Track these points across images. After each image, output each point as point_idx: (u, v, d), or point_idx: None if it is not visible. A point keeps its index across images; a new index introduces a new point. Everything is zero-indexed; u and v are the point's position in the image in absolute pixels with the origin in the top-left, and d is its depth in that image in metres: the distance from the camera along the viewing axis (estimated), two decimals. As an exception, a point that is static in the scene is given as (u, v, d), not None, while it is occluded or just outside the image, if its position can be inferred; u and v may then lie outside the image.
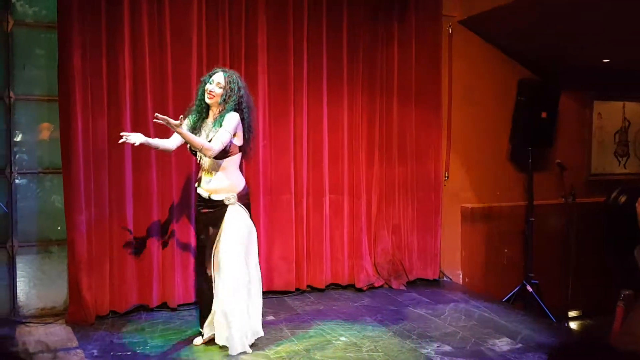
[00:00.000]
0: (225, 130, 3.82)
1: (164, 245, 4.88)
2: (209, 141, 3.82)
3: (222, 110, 3.92)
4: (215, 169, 3.96)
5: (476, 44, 6.17)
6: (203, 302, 4.09)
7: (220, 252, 3.91)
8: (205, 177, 4.00)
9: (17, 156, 4.69)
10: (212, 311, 4.00)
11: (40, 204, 4.78)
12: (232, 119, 3.85)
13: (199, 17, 4.92)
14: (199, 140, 3.79)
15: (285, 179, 5.33)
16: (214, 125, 3.90)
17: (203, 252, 4.04)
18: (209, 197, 3.98)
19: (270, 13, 5.18)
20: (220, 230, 3.94)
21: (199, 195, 4.04)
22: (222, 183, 3.96)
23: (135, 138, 3.82)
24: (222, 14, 5.01)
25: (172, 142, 4.05)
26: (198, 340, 4.13)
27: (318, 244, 5.48)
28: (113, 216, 4.72)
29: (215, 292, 3.97)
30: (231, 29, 5.06)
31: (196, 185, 4.09)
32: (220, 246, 3.92)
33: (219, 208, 3.97)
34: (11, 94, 4.63)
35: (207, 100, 3.93)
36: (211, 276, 3.99)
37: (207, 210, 4.01)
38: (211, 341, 4.07)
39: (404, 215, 5.81)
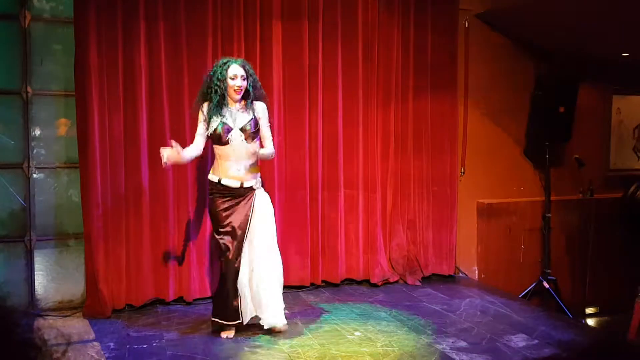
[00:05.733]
0: (268, 126, 4.16)
1: (180, 238, 4.90)
2: (251, 139, 4.07)
3: (246, 97, 4.10)
4: (248, 156, 4.05)
5: (493, 37, 6.11)
6: (227, 292, 4.09)
7: (259, 235, 4.08)
8: (233, 166, 4.04)
9: (35, 151, 4.73)
10: (239, 297, 4.09)
11: (57, 198, 4.83)
12: (267, 111, 4.17)
13: (214, 12, 4.92)
14: (268, 152, 4.12)
15: (300, 174, 5.32)
16: (250, 115, 4.08)
17: (230, 242, 4.06)
18: (241, 185, 4.03)
19: (285, 6, 5.17)
20: (250, 217, 4.07)
21: (225, 187, 4.06)
22: (252, 169, 4.10)
23: (170, 156, 3.90)
24: (237, 9, 5.01)
25: (198, 149, 4.12)
26: (230, 334, 4.13)
27: (333, 239, 5.47)
28: (129, 210, 4.75)
29: (249, 276, 4.09)
30: (246, 23, 5.06)
31: (217, 178, 4.08)
32: (256, 230, 4.07)
33: (248, 195, 4.08)
34: (28, 88, 4.67)
35: (236, 97, 4.04)
36: (239, 266, 4.05)
37: (234, 200, 4.06)
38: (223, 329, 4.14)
39: (419, 210, 5.78)
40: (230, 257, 4.07)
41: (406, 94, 5.66)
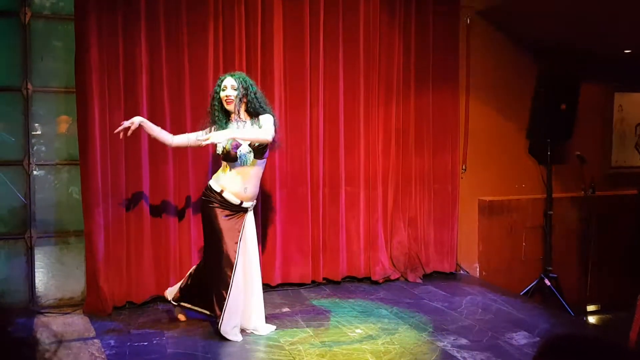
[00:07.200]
0: (269, 121, 4.01)
1: (181, 236, 4.89)
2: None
3: (247, 110, 4.06)
4: (254, 175, 4.05)
5: (495, 34, 6.09)
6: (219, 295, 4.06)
7: (247, 251, 4.11)
8: (240, 183, 4.01)
9: (35, 148, 4.72)
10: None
11: (57, 195, 4.82)
12: (270, 118, 4.04)
13: (215, 9, 4.90)
14: (252, 132, 3.96)
15: (301, 171, 5.31)
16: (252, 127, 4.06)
17: (229, 257, 4.02)
18: (240, 203, 4.03)
19: (287, 3, 5.16)
20: (241, 237, 4.05)
21: (225, 200, 4.02)
22: (255, 190, 4.11)
23: (134, 120, 4.04)
24: (239, 6, 4.99)
25: (172, 139, 4.19)
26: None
27: (334, 236, 5.46)
28: (130, 208, 4.74)
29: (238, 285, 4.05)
30: (247, 19, 5.04)
31: (219, 189, 4.02)
32: (245, 246, 4.09)
33: (242, 213, 4.08)
34: (29, 85, 4.66)
35: (227, 107, 4.03)
36: (230, 283, 3.99)
37: (231, 215, 4.04)
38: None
39: (421, 208, 5.76)
40: (222, 267, 4.03)
41: (407, 91, 5.64)
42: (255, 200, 4.18)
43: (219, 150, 3.99)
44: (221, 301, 3.96)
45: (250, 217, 4.16)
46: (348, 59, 5.41)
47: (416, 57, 5.65)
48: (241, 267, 4.03)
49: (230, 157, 3.98)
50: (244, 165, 3.97)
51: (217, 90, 4.04)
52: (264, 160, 4.11)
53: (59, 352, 1.02)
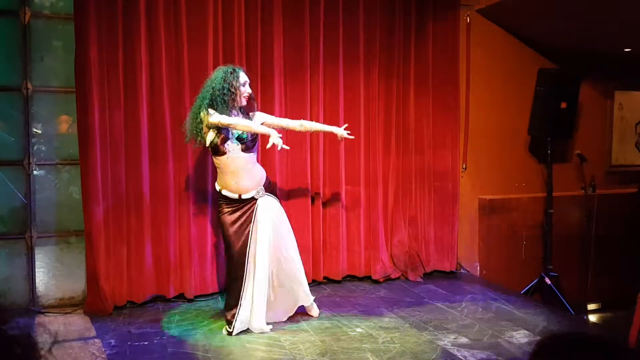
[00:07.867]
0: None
1: (181, 236, 4.89)
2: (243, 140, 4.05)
3: (245, 106, 4.16)
4: (246, 167, 4.07)
5: (495, 33, 6.09)
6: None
7: (259, 241, 4.10)
8: (231, 178, 4.05)
9: (35, 147, 4.72)
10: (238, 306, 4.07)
11: (58, 195, 4.82)
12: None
13: (214, 8, 4.90)
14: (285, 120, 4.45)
15: (301, 170, 5.30)
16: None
17: (238, 250, 4.08)
18: (239, 197, 4.05)
19: (287, 2, 5.15)
20: (252, 230, 4.07)
21: (226, 197, 4.07)
22: (249, 181, 4.09)
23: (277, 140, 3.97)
24: (238, 5, 4.99)
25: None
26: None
27: (334, 235, 5.46)
28: (130, 207, 4.74)
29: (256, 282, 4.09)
30: (247, 18, 5.04)
31: (219, 188, 4.13)
32: (262, 239, 4.08)
33: (249, 204, 4.08)
34: (29, 85, 4.66)
35: (242, 103, 4.09)
36: (244, 275, 4.05)
37: (239, 210, 4.08)
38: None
39: (421, 207, 5.76)
40: (234, 261, 4.10)
41: (408, 90, 5.64)
42: (258, 190, 4.14)
43: (207, 143, 4.00)
44: (237, 294, 4.05)
45: (264, 206, 4.13)
46: (348, 58, 5.41)
47: (416, 55, 5.65)
48: (252, 258, 4.07)
49: (217, 151, 4.00)
50: (231, 158, 4.01)
51: (236, 85, 4.01)
52: (253, 154, 4.16)
53: (54, 351, 1.02)
